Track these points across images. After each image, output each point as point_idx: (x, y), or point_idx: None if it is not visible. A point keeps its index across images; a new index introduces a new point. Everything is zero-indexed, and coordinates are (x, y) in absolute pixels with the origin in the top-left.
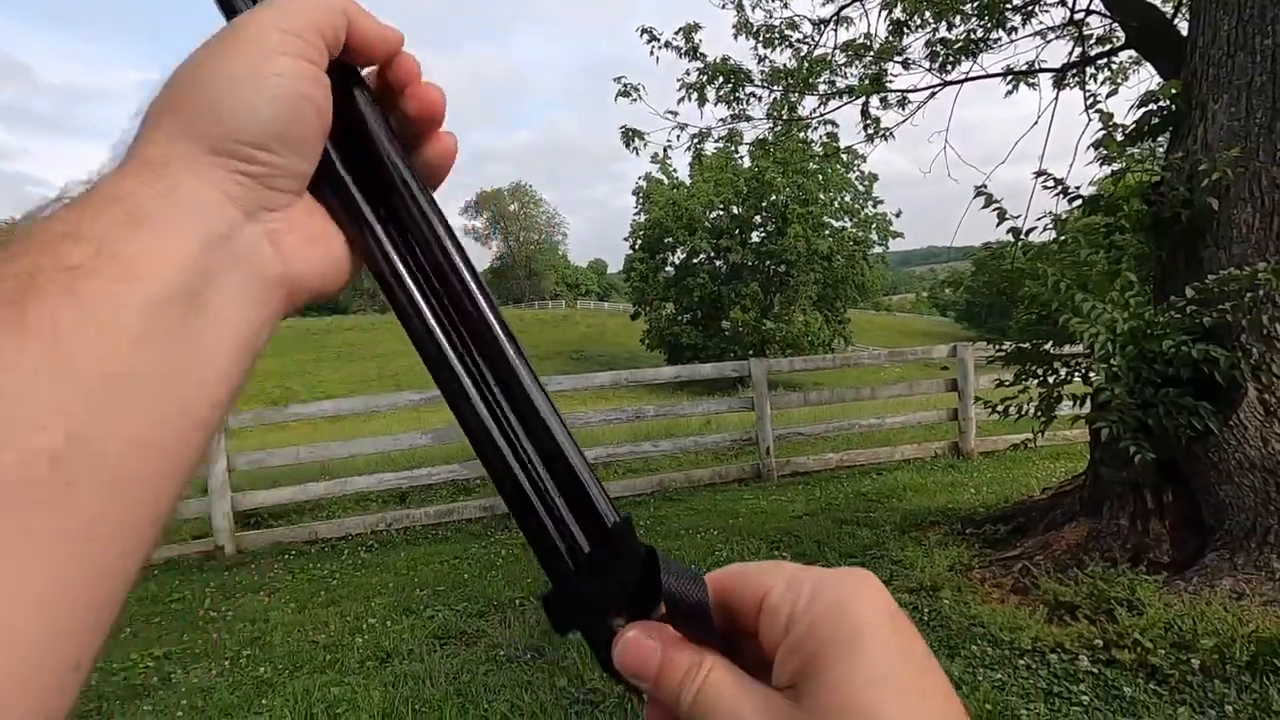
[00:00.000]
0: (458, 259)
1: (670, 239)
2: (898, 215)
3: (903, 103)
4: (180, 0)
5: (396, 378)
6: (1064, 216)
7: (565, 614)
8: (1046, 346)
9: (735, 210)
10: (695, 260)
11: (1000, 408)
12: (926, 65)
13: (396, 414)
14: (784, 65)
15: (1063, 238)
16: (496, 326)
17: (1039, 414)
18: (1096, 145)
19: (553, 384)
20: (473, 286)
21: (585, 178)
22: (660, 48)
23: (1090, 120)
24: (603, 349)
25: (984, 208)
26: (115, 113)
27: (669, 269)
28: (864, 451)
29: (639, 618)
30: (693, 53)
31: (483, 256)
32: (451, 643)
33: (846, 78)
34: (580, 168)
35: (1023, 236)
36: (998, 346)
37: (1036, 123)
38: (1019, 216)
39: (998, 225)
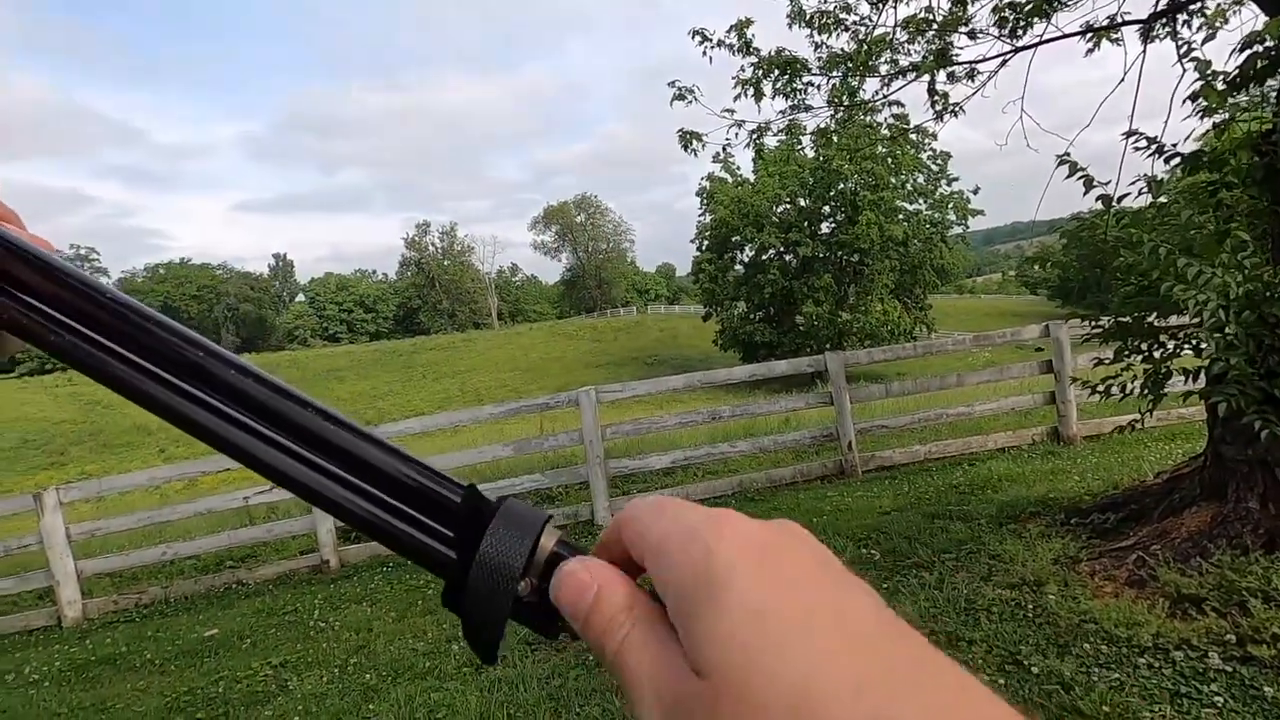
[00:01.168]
0: (153, 318)
1: (737, 237)
2: (975, 192)
3: (971, 75)
4: (257, 58)
5: (478, 393)
6: (1160, 178)
7: (481, 610)
8: (1150, 319)
9: (802, 202)
10: (764, 257)
11: (1101, 388)
12: (995, 33)
13: (479, 428)
14: (841, 49)
15: (1161, 200)
16: (231, 365)
17: (1146, 392)
18: (1194, 97)
19: (627, 390)
20: (184, 334)
21: (647, 182)
22: (713, 47)
23: (1185, 71)
24: (676, 352)
25: (1069, 177)
26: (216, 165)
27: (738, 267)
28: (954, 442)
29: (535, 577)
30: (746, 48)
31: (553, 270)
32: (542, 648)
33: (909, 55)
34: (642, 173)
35: (1115, 203)
36: (1094, 323)
37: (1123, 80)
38: (1108, 183)
39: (1085, 194)
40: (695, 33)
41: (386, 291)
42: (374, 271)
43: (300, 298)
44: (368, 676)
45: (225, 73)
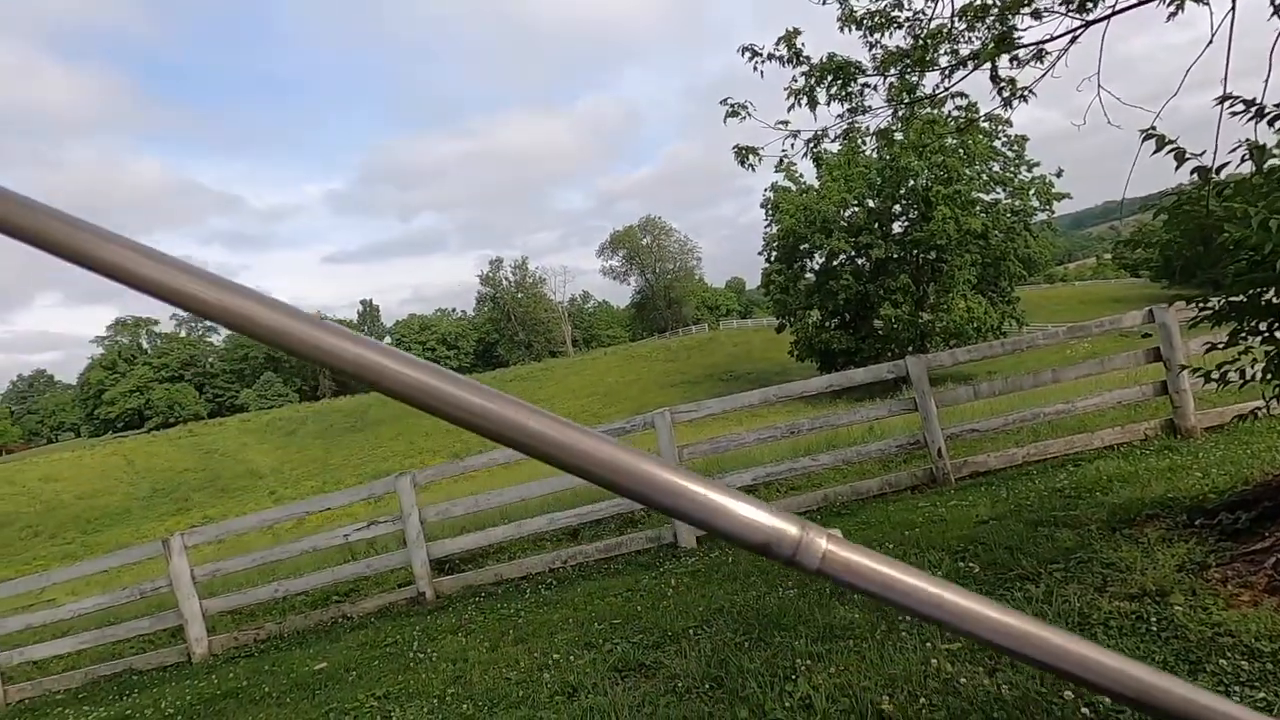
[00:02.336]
0: None
1: (806, 245)
2: (1059, 175)
3: (1039, 56)
4: (337, 119)
5: None
6: (1262, 144)
7: None
8: (1269, 296)
9: (871, 204)
10: (835, 262)
11: (1217, 375)
12: (1063, 10)
13: None
14: (897, 47)
15: (1267, 166)
16: None
17: (1270, 376)
18: None
19: (702, 409)
20: None
21: (711, 199)
22: (763, 61)
23: None
24: (751, 366)
25: (1156, 152)
26: (306, 223)
27: (809, 275)
28: (1055, 442)
29: None
30: (796, 58)
31: (623, 294)
32: (631, 675)
33: (970, 43)
34: (704, 190)
35: (1214, 174)
36: (1202, 304)
37: (1211, 41)
38: (1203, 153)
39: (1178, 168)
40: (744, 49)
41: (466, 328)
42: (453, 310)
43: (387, 340)
44: (465, 706)
45: (309, 136)
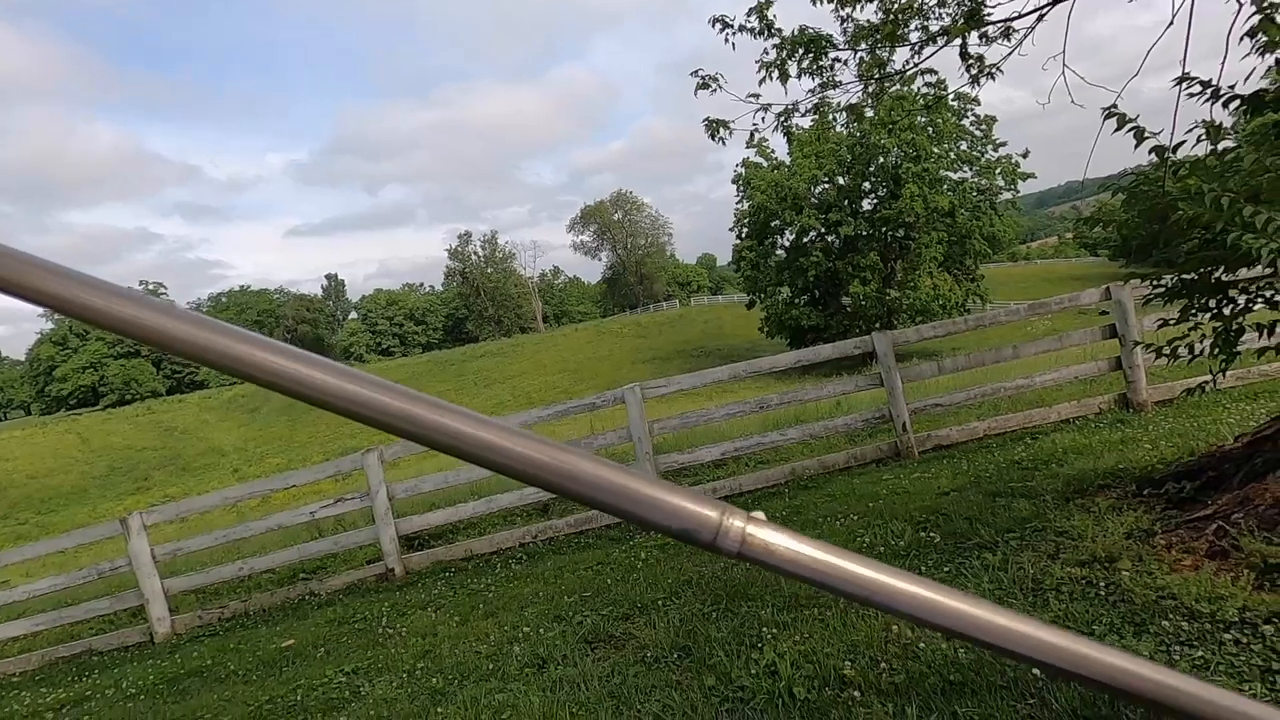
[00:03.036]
0: None
1: (777, 221)
2: (1025, 155)
3: (1007, 34)
4: (300, 89)
5: (528, 396)
6: (1219, 124)
7: None
8: (1218, 274)
9: (841, 181)
10: (805, 239)
11: (1168, 350)
12: None
13: (531, 430)
14: (868, 21)
15: (1224, 145)
16: None
17: (1217, 352)
18: (1252, 34)
19: (672, 385)
20: None
21: (683, 174)
22: (735, 33)
23: (1241, 6)
24: (723, 343)
25: (1117, 130)
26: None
27: (779, 252)
28: (1014, 416)
29: None
30: (767, 30)
31: (594, 269)
32: (601, 646)
33: (940, 20)
34: (677, 165)
35: (1171, 154)
36: (1155, 282)
37: (1172, 23)
38: (1161, 132)
39: (1137, 146)
40: (716, 20)
41: (435, 303)
42: (421, 284)
43: (353, 315)
44: (435, 680)
45: (271, 106)
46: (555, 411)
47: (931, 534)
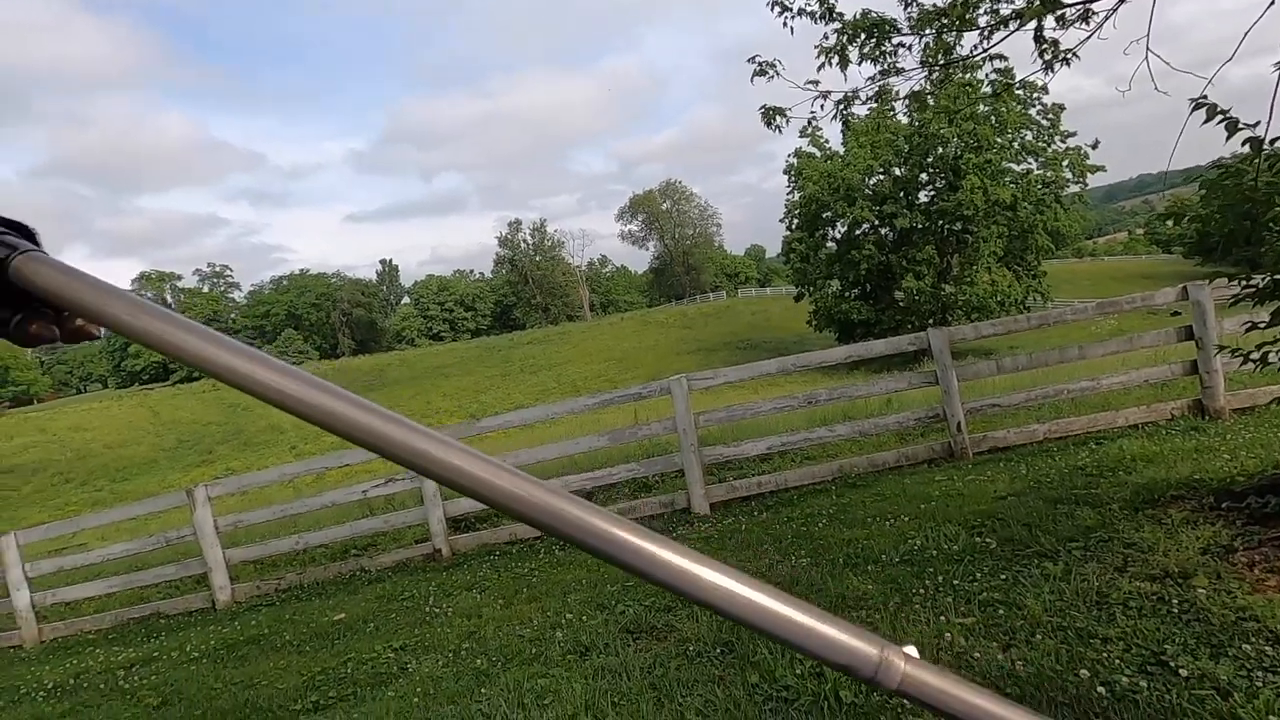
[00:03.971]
0: None
1: (828, 213)
2: (1095, 146)
3: (1085, 17)
4: (359, 78)
5: (574, 384)
6: None
7: None
8: None
9: (897, 172)
10: (858, 232)
11: (1257, 355)
12: None
13: (575, 418)
14: (934, 4)
15: None
16: None
17: None
18: None
19: (718, 377)
20: None
21: (733, 164)
22: (793, 16)
23: None
24: (769, 335)
25: (1206, 121)
26: (327, 180)
27: (830, 244)
28: (1078, 419)
29: None
30: (829, 14)
31: (641, 259)
32: (644, 637)
33: (1012, 2)
34: (727, 155)
35: (1267, 145)
36: (1245, 282)
37: (1273, 3)
38: (1256, 124)
39: (1228, 138)
40: (774, 3)
41: (484, 290)
42: (471, 271)
43: (406, 300)
44: (479, 661)
45: (331, 95)
46: (600, 400)
47: (987, 539)
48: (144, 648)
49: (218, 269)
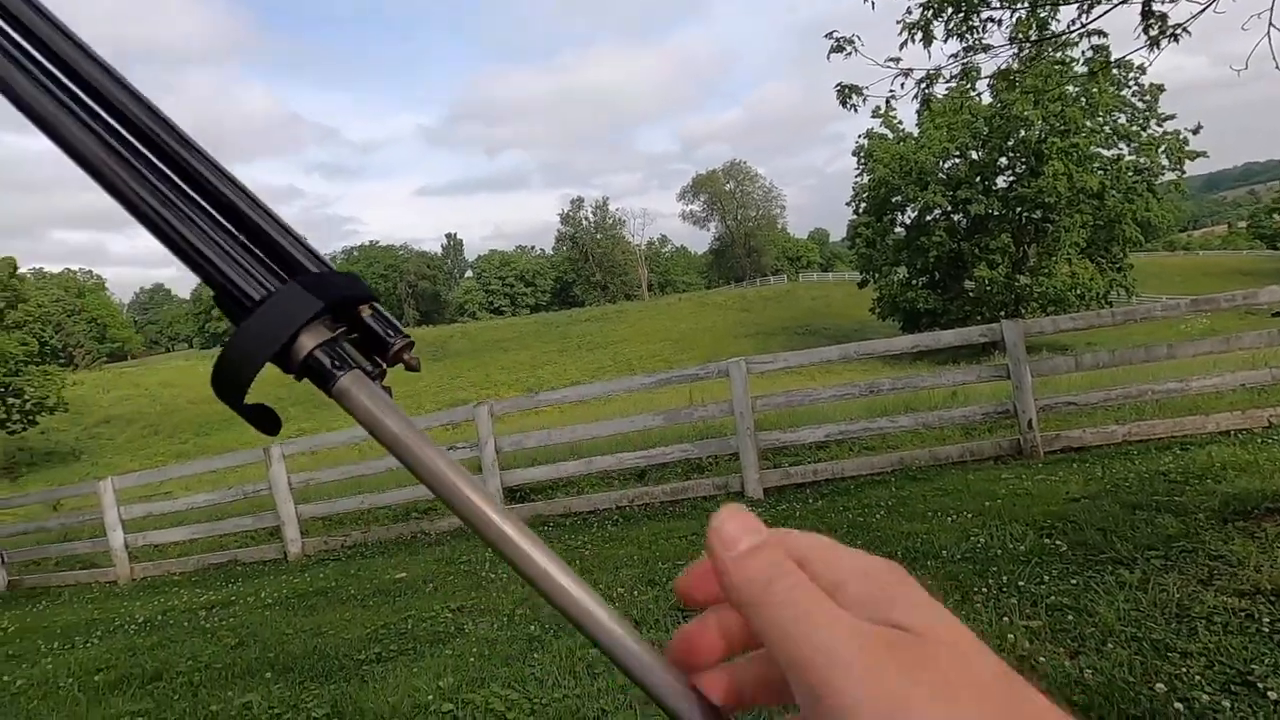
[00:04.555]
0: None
1: (898, 197)
2: (1196, 131)
3: None
4: (430, 54)
5: (629, 363)
6: None
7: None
8: None
9: (975, 155)
10: (929, 218)
11: None
12: None
13: (631, 397)
14: None
15: None
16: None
17: None
18: None
19: (778, 361)
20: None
21: (800, 144)
22: None
23: None
24: (829, 321)
25: None
26: (399, 154)
27: (898, 230)
28: (1161, 422)
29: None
30: None
31: (701, 239)
32: (694, 615)
33: None
34: (794, 135)
35: None
36: None
37: None
38: None
39: None
40: None
41: (544, 266)
42: (533, 247)
43: (469, 274)
44: (532, 628)
45: (403, 71)
46: (657, 380)
47: (1057, 541)
48: (222, 591)
49: None
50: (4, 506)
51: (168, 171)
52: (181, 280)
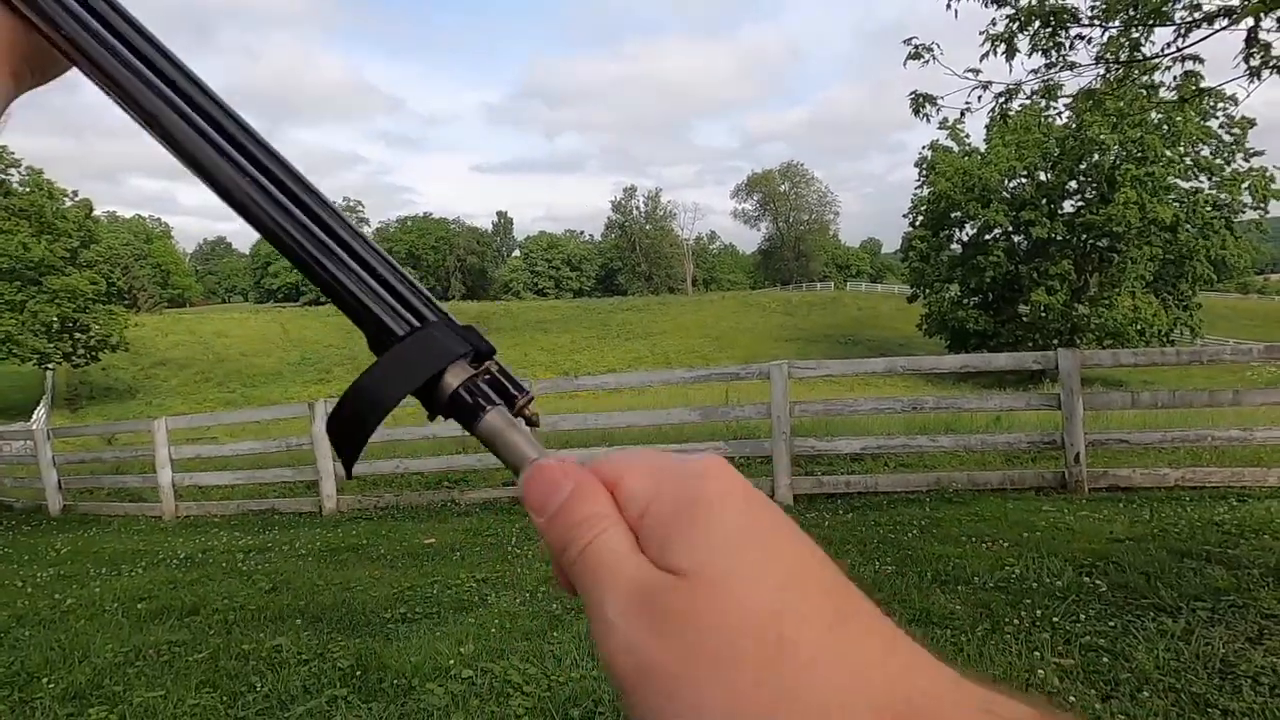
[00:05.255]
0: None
1: (958, 213)
2: None
3: None
4: (502, 30)
5: (666, 356)
6: None
7: (396, 376)
8: None
9: (1043, 176)
10: (988, 236)
11: None
12: None
13: (667, 390)
14: None
15: None
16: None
17: None
18: None
19: (820, 368)
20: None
21: (861, 150)
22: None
23: None
24: (874, 333)
25: None
26: (461, 130)
27: (955, 246)
28: (1218, 470)
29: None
30: None
31: (750, 239)
32: None
33: None
34: (855, 140)
35: None
36: None
37: None
38: None
39: None
40: None
41: (591, 252)
42: (581, 232)
43: (516, 253)
44: (554, 606)
45: (475, 46)
46: (696, 375)
47: (1097, 581)
48: (260, 537)
49: (352, 204)
50: (64, 435)
51: (309, 223)
52: (242, 235)
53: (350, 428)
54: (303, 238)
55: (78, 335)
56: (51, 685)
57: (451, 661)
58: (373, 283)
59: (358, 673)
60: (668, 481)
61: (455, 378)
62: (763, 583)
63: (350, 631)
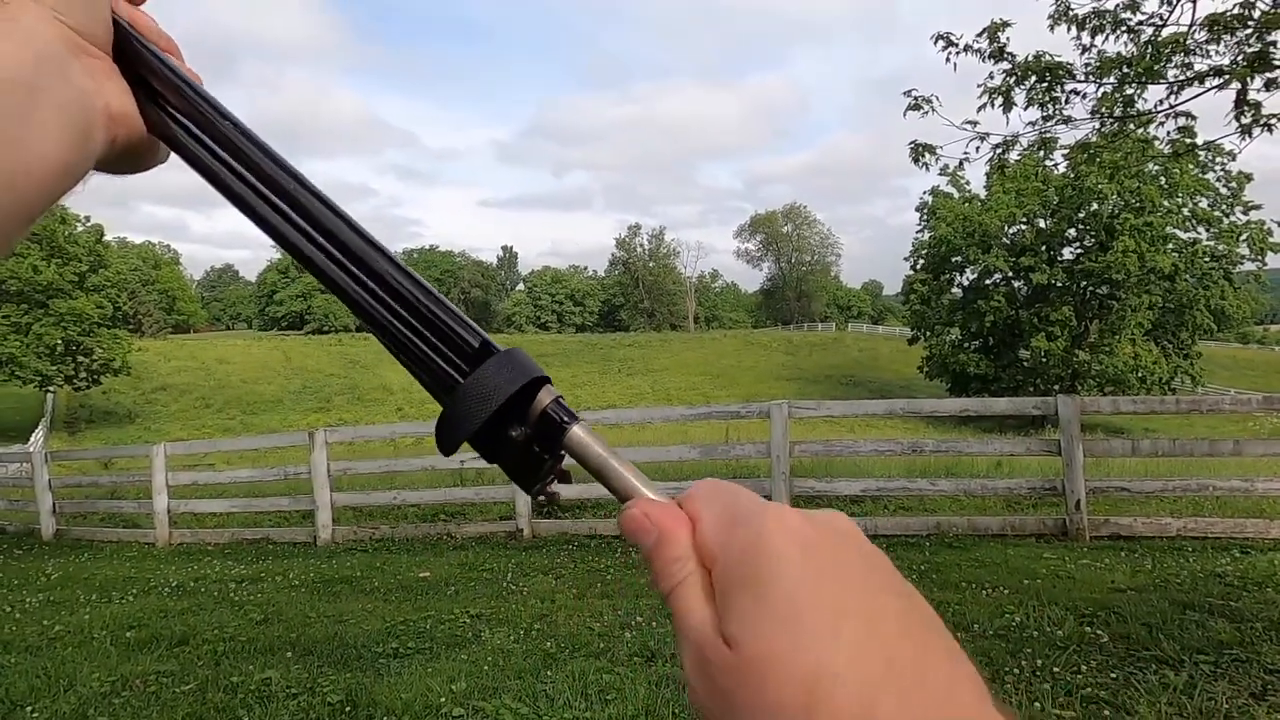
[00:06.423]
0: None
1: (959, 257)
2: None
3: None
4: (513, 70)
5: (667, 393)
6: None
7: (453, 431)
8: None
9: (1042, 223)
10: (988, 281)
11: None
12: None
13: (667, 427)
14: (1118, 53)
15: None
16: (310, 191)
17: None
18: None
19: (820, 408)
20: (277, 159)
21: (863, 194)
22: (958, 53)
23: None
24: (874, 374)
25: None
26: (471, 165)
27: (955, 290)
28: (1220, 521)
29: (528, 427)
30: (999, 54)
31: (752, 278)
32: None
33: (1209, 58)
34: (858, 184)
35: None
36: None
37: None
38: None
39: None
40: (939, 37)
41: (594, 288)
42: (585, 268)
43: (520, 287)
44: (548, 644)
45: (484, 85)
46: (698, 413)
47: (1098, 631)
48: (253, 567)
49: None
50: (62, 459)
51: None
52: (249, 263)
53: (466, 408)
54: (359, 287)
55: (81, 358)
56: (35, 715)
57: (443, 699)
58: (460, 312)
59: (347, 708)
60: (737, 531)
61: (548, 394)
62: (798, 664)
63: (341, 665)
